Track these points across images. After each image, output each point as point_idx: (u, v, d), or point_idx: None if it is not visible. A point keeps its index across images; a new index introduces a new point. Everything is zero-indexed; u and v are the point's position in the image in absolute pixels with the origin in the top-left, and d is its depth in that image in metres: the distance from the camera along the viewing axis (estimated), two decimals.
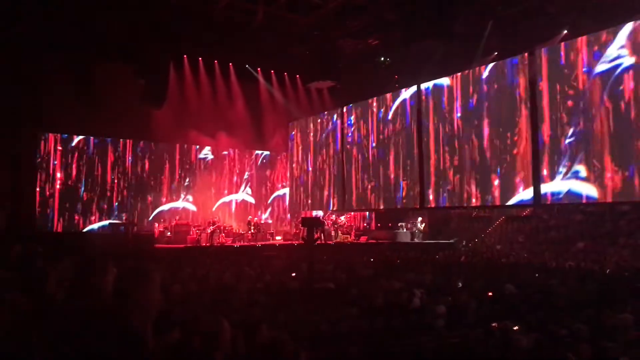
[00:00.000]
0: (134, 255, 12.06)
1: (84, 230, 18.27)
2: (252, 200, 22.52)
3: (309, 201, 22.09)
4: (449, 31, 15.75)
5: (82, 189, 18.65)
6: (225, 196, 21.91)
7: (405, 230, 20.37)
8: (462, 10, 15.21)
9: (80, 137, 18.77)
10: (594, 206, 17.22)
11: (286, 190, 23.51)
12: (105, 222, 18.60)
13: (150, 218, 19.75)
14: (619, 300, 6.84)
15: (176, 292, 6.69)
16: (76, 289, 2.54)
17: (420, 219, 20.31)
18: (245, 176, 22.57)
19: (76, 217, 18.40)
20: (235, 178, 22.37)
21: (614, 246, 16.18)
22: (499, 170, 14.92)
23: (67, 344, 1.95)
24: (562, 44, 13.78)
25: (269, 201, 23.26)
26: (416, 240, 19.94)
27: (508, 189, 14.64)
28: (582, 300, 7.28)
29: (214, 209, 21.22)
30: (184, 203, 20.66)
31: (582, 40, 13.08)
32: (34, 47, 15.66)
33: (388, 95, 18.68)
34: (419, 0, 15.04)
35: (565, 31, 14.61)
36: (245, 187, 22.49)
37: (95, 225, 18.62)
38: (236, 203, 22.14)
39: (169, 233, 18.39)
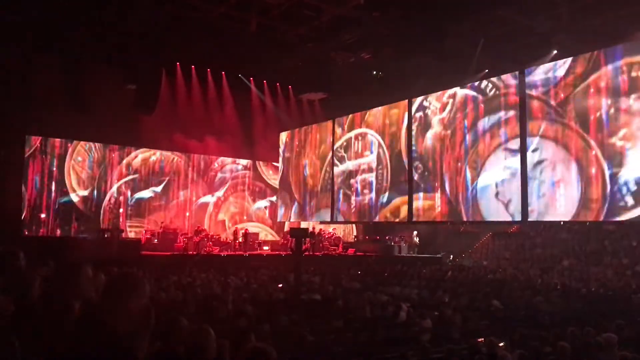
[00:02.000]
0: (119, 262, 11.93)
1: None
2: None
3: (297, 211, 22.07)
4: (440, 48, 15.93)
5: (67, 193, 18.51)
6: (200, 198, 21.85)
7: (392, 243, 20.40)
8: (453, 28, 15.38)
9: (68, 141, 18.65)
10: (579, 225, 17.39)
11: (268, 201, 23.55)
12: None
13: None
14: (603, 318, 6.88)
15: (162, 300, 6.63)
16: (59, 293, 2.51)
17: (415, 232, 20.35)
18: (227, 182, 22.54)
19: (60, 222, 18.27)
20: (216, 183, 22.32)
21: (599, 265, 16.32)
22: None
23: (50, 349, 1.93)
24: None
25: (252, 209, 23.22)
26: (412, 253, 19.98)
27: None
28: (567, 318, 7.33)
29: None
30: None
31: None
32: (23, 49, 15.58)
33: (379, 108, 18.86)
34: (412, 16, 15.18)
35: (555, 51, 14.82)
36: (223, 192, 22.43)
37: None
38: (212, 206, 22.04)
39: (155, 240, 18.25)
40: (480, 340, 5.40)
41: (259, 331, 5.15)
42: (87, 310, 2.15)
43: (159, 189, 20.61)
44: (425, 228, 20.84)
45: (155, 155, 20.67)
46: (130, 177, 19.96)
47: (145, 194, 20.36)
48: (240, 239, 19.31)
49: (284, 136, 23.19)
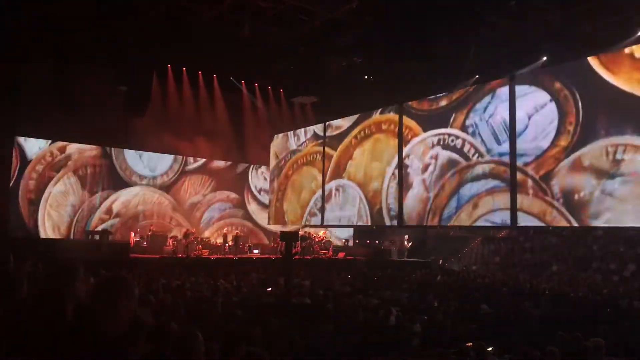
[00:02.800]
0: (108, 264, 11.85)
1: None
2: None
3: (288, 215, 22.04)
4: (432, 53, 16.01)
5: (58, 194, 18.33)
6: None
7: (383, 247, 20.41)
8: (444, 33, 15.46)
9: (58, 142, 18.51)
10: (568, 230, 17.53)
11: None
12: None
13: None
14: (591, 323, 6.93)
15: (150, 303, 6.58)
16: (48, 296, 2.49)
17: (406, 237, 20.38)
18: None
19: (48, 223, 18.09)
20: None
21: (587, 270, 16.46)
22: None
23: (40, 351, 1.91)
24: None
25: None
26: (403, 257, 20.00)
27: None
28: (555, 322, 7.36)
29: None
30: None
31: None
32: (12, 49, 15.44)
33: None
34: (404, 21, 15.24)
35: (545, 58, 14.96)
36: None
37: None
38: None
39: (144, 243, 18.12)
40: (469, 344, 5.41)
41: (249, 335, 5.13)
42: (78, 313, 2.13)
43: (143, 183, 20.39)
44: (416, 232, 20.88)
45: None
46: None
47: (134, 190, 20.10)
48: (230, 242, 19.22)
49: (276, 138, 23.21)
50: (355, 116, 19.87)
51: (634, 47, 12.55)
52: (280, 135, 23.25)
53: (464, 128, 15.88)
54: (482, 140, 15.18)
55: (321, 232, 21.44)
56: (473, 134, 15.46)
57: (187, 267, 14.01)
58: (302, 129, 22.13)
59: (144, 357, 2.69)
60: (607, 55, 13.04)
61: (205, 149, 21.25)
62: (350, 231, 21.94)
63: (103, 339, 1.91)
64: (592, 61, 13.23)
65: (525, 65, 15.08)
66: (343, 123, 20.32)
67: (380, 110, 18.93)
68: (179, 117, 19.58)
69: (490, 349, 5.37)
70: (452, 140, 15.92)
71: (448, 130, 16.24)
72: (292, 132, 22.61)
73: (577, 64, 13.63)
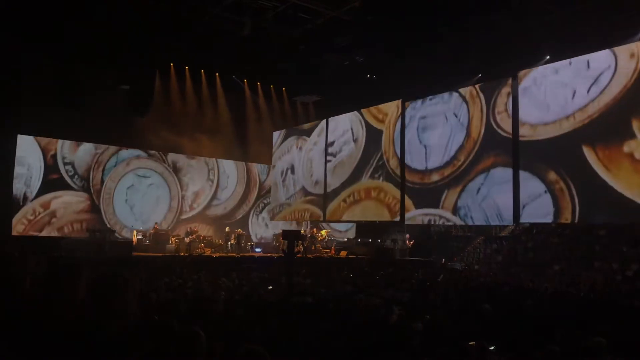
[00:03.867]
0: (110, 262, 11.87)
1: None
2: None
3: (291, 213, 22.04)
4: (434, 51, 15.99)
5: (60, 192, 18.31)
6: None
7: (385, 246, 20.39)
8: (447, 32, 15.44)
9: (60, 140, 18.53)
10: (570, 229, 17.51)
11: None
12: None
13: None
14: (593, 323, 6.92)
15: (152, 301, 6.60)
16: (50, 294, 2.50)
17: (407, 235, 20.37)
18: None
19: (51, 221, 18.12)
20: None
21: (589, 270, 16.41)
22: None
23: (40, 350, 1.92)
24: None
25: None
26: (405, 256, 19.99)
27: None
28: (557, 321, 7.35)
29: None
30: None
31: None
32: (15, 48, 15.47)
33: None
34: (405, 19, 15.23)
35: (548, 57, 14.93)
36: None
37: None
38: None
39: (147, 241, 18.15)
40: (471, 343, 5.40)
41: (250, 333, 5.14)
42: (79, 311, 2.14)
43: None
44: (418, 231, 20.86)
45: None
46: None
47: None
48: (232, 241, 19.24)
49: (277, 136, 23.25)
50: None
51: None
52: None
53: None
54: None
55: (323, 231, 21.45)
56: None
57: (189, 266, 14.03)
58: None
59: (146, 355, 2.70)
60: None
61: (207, 147, 21.26)
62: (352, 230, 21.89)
63: (105, 337, 1.91)
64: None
65: (529, 64, 15.05)
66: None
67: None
68: (181, 116, 19.61)
69: (492, 348, 5.37)
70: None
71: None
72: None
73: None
